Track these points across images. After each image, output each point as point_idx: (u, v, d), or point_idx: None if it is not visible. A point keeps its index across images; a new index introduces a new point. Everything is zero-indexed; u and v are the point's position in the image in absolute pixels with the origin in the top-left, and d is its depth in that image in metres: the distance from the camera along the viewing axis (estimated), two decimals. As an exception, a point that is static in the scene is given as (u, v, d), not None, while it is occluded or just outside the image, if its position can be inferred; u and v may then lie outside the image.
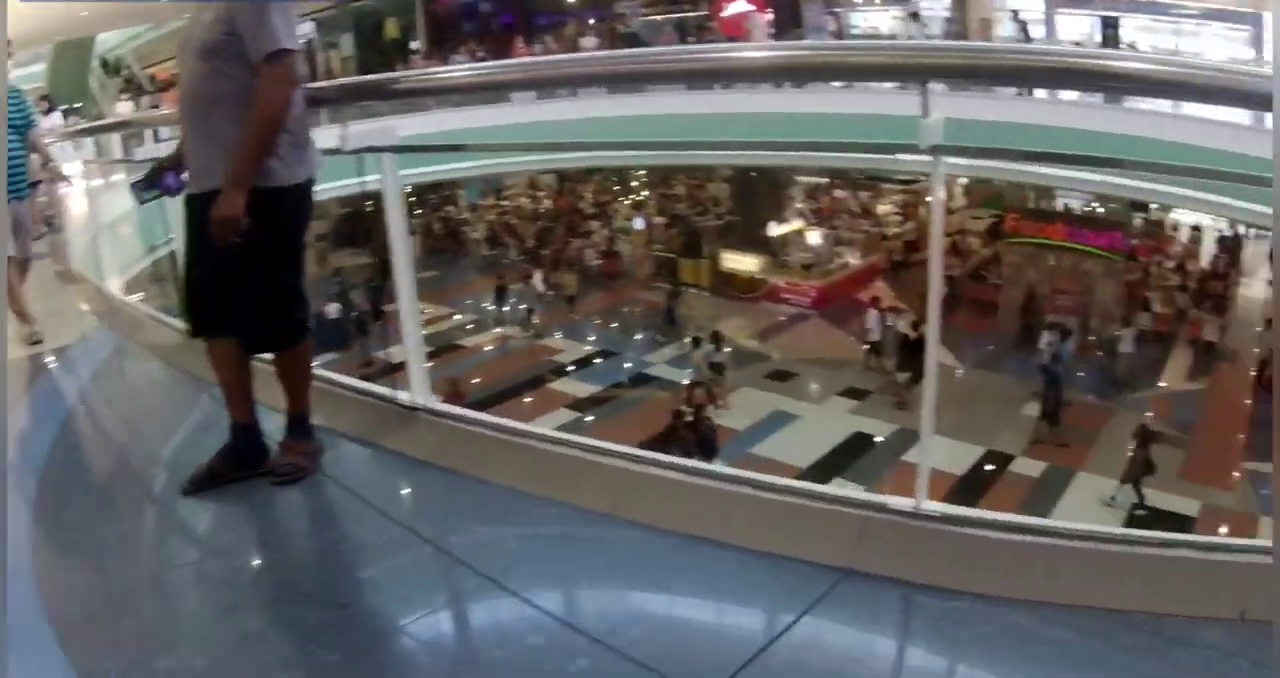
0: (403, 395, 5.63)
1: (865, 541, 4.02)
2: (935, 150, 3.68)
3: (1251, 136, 21.65)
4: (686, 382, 25.10)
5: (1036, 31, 40.11)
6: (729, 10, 33.79)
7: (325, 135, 4.88)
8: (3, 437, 4.32)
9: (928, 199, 35.50)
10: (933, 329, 4.37)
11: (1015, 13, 36.85)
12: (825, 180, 41.22)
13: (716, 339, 26.88)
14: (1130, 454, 20.87)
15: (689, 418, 21.20)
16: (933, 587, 3.76)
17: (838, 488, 4.69)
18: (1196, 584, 3.71)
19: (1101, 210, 30.90)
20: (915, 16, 35.90)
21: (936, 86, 3.68)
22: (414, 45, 40.52)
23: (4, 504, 3.43)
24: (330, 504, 4.86)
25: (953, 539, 3.99)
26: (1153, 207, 38.05)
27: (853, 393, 25.92)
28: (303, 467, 4.94)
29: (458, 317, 33.21)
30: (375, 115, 6.58)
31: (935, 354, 4.52)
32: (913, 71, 3.72)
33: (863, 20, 41.52)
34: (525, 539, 4.34)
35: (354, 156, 4.96)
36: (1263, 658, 3.07)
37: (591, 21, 38.27)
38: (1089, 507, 20.32)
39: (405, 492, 5.11)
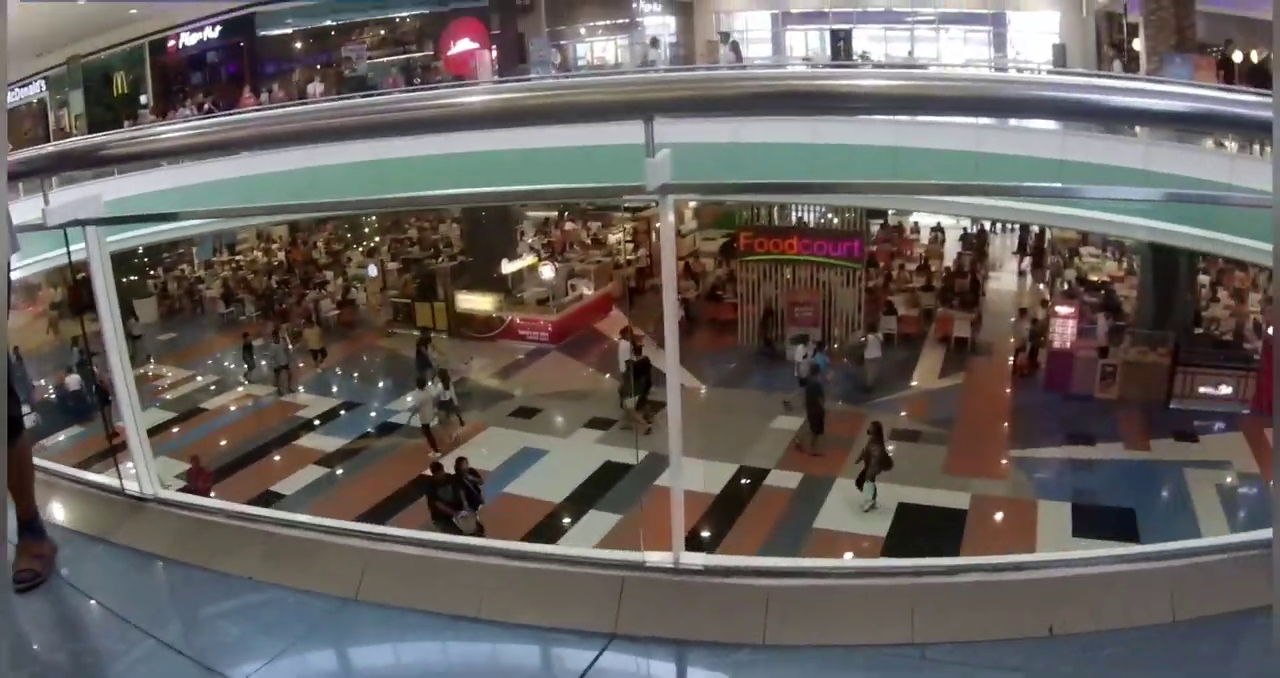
0: (131, 486, 5.13)
1: (627, 603, 3.89)
2: (664, 190, 3.52)
3: (999, 135, 22.40)
4: (419, 425, 25.03)
5: (764, 50, 40.82)
6: (454, 49, 33.59)
7: (25, 206, 4.49)
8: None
9: (657, 226, 35.85)
10: (672, 361, 4.17)
11: (725, 35, 37.23)
12: (555, 214, 41.33)
13: (444, 378, 26.52)
14: (864, 454, 21.27)
15: (450, 470, 20.64)
16: (705, 642, 3.69)
17: (594, 550, 4.48)
18: (1001, 606, 3.71)
19: (837, 221, 31.33)
20: (655, 42, 36.10)
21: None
22: (143, 99, 39.51)
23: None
24: (66, 609, 4.44)
25: (718, 591, 3.90)
26: (890, 212, 39.12)
27: (598, 423, 25.89)
28: (38, 572, 4.48)
29: (200, 378, 32.30)
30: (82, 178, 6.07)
31: (677, 381, 4.40)
32: (637, 108, 3.43)
33: (588, 51, 41.75)
34: (267, 633, 4.05)
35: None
36: (1078, 672, 3.20)
37: (318, 66, 37.75)
38: (851, 513, 20.69)
39: (141, 590, 4.68)
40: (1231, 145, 21.34)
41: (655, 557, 4.04)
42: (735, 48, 35.60)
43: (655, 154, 3.40)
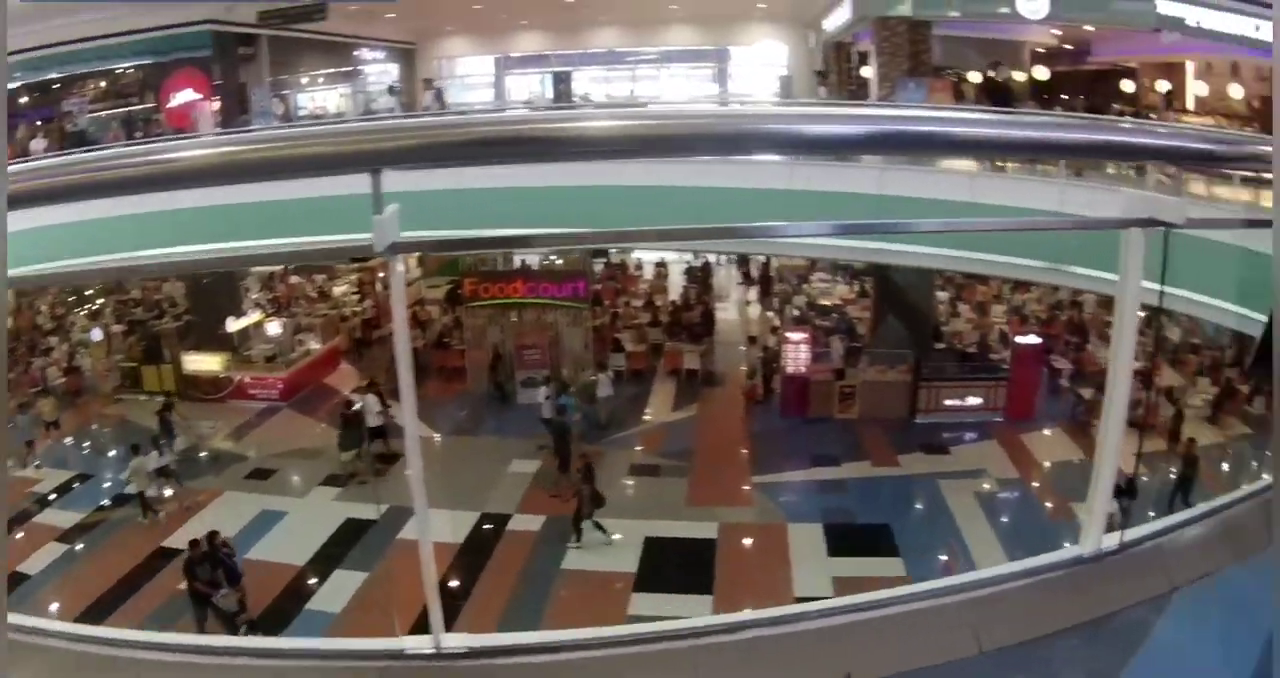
0: None
1: (387, 696, 3.53)
2: (393, 249, 3.30)
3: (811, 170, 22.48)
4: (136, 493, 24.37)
5: (486, 95, 40.72)
6: (175, 100, 32.70)
7: None
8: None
9: (381, 276, 35.43)
10: (410, 421, 3.80)
11: (428, 80, 37.09)
12: (279, 268, 40.60)
13: (156, 443, 25.65)
14: (577, 493, 21.37)
15: (204, 549, 19.38)
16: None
17: (350, 640, 4.13)
18: (791, 659, 3.62)
19: (560, 262, 31.36)
20: (394, 89, 35.70)
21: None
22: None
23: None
24: None
25: (483, 674, 3.83)
26: (612, 250, 39.35)
27: (335, 480, 25.34)
28: None
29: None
30: None
31: (416, 443, 4.28)
32: (363, 160, 3.13)
33: (310, 100, 41.18)
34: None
35: None
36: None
37: (40, 122, 36.51)
38: (597, 553, 20.53)
39: None
40: (970, 165, 21.90)
41: (413, 642, 3.94)
42: (439, 95, 35.45)
43: (384, 210, 3.18)
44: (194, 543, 18.90)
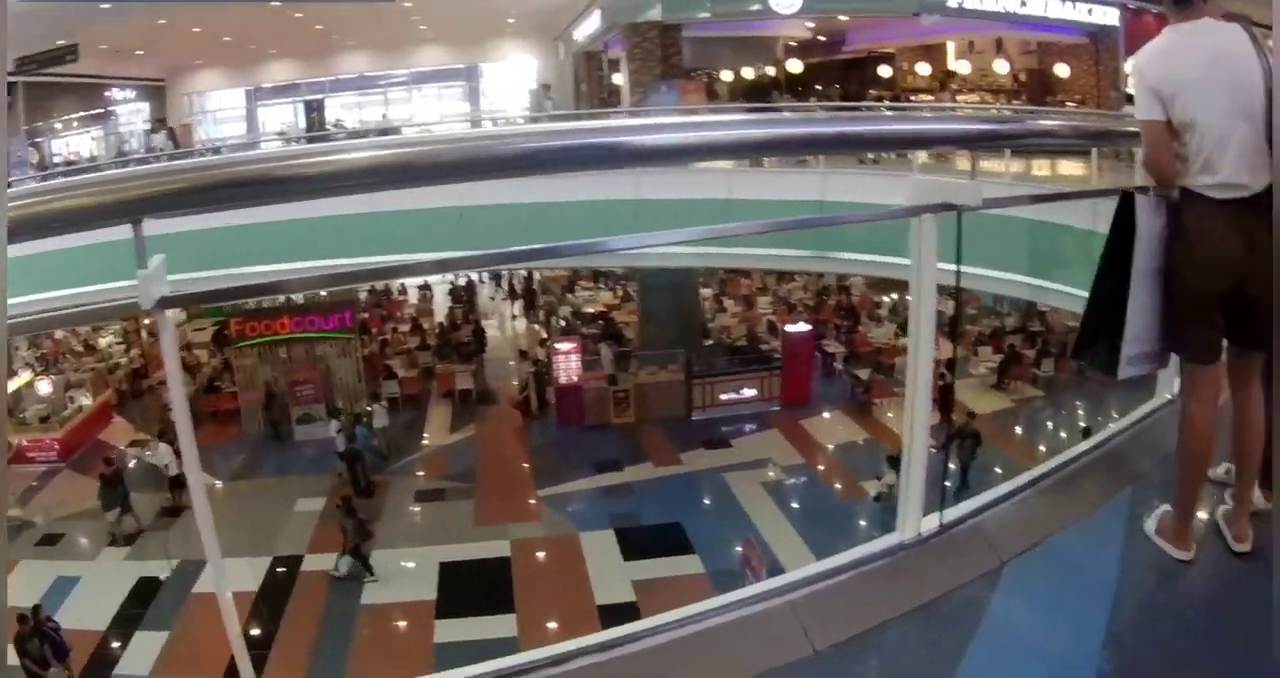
0: None
1: None
2: (163, 304, 2.98)
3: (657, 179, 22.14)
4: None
5: (239, 128, 40.16)
6: (-70, 158, 31.69)
7: None
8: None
9: (145, 322, 34.64)
10: (191, 463, 3.79)
11: (160, 121, 36.48)
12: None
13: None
14: (342, 527, 21.35)
15: (30, 624, 18.04)
16: None
17: None
18: None
19: (325, 294, 30.89)
20: (161, 129, 34.69)
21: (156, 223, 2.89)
22: None
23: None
24: None
25: None
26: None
27: (119, 541, 24.44)
28: None
29: None
30: None
31: (200, 482, 3.85)
32: (124, 210, 2.82)
33: (64, 146, 40.21)
34: None
35: None
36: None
37: None
38: (394, 584, 20.37)
39: None
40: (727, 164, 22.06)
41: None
42: (171, 134, 34.89)
43: (148, 263, 2.90)
44: (22, 619, 17.68)
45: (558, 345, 29.32)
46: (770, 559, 18.10)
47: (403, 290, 43.27)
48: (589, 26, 33.59)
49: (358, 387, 30.35)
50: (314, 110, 40.89)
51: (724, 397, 27.49)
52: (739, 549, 18.67)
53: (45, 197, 2.75)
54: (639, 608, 17.90)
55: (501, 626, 18.05)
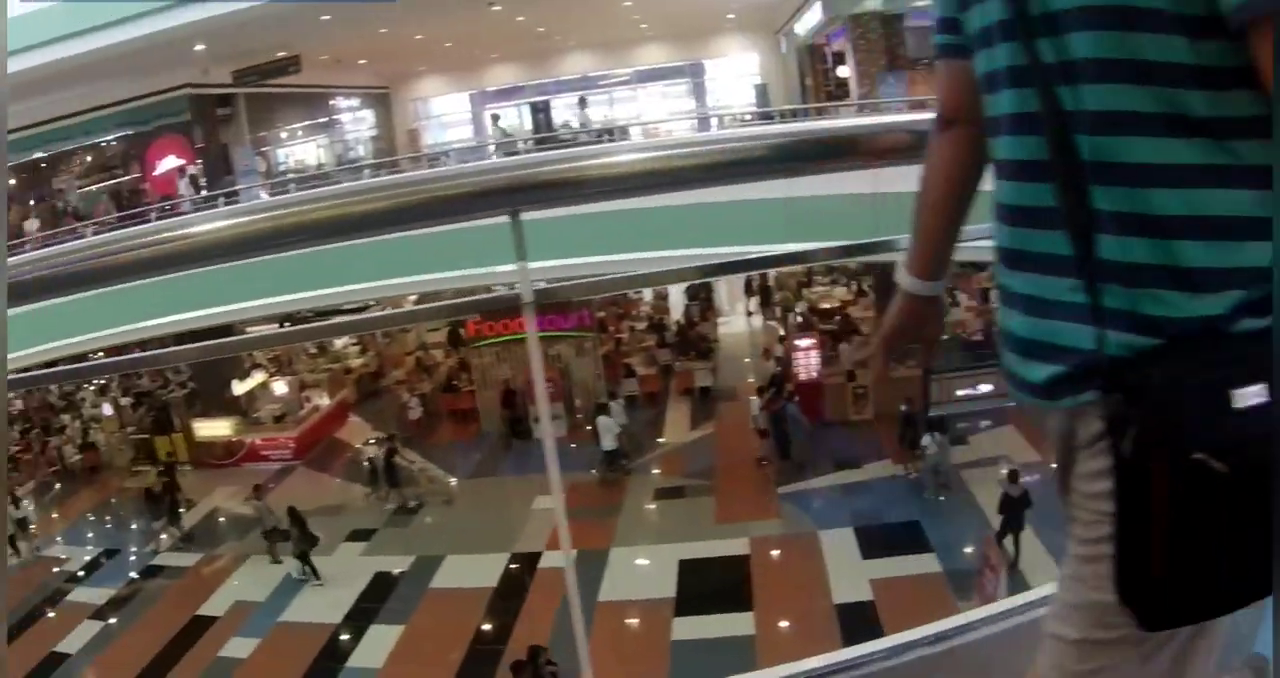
0: None
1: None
2: (539, 296, 3.03)
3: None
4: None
5: (465, 132, 40.54)
6: (160, 168, 32.79)
7: None
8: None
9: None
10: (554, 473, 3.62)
11: (495, 116, 36.57)
12: (275, 326, 40.67)
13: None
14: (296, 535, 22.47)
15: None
16: None
17: None
18: None
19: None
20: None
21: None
22: None
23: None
24: None
25: None
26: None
27: (360, 535, 25.19)
28: None
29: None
30: None
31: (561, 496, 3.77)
32: (505, 201, 2.77)
33: (287, 155, 41.06)
34: None
35: None
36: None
37: (32, 202, 36.43)
38: (634, 581, 20.30)
39: None
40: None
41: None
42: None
43: (526, 256, 2.88)
44: (518, 665, 16.36)
45: (797, 341, 29.07)
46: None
47: (639, 292, 43.50)
48: (810, 19, 33.21)
49: (596, 385, 30.29)
50: (540, 112, 41.10)
51: (960, 393, 26.84)
52: (975, 549, 18.32)
53: (426, 186, 2.77)
54: (876, 607, 17.73)
55: (739, 624, 17.92)
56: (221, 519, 28.32)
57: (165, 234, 2.84)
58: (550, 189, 2.78)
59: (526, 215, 2.79)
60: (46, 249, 3.22)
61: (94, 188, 36.35)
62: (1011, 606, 3.40)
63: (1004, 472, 19.65)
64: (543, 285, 3.02)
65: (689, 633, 17.69)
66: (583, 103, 30.23)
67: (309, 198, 2.77)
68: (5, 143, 2.63)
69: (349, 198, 2.75)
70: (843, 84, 32.17)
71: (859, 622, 16.97)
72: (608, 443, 25.35)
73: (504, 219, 2.72)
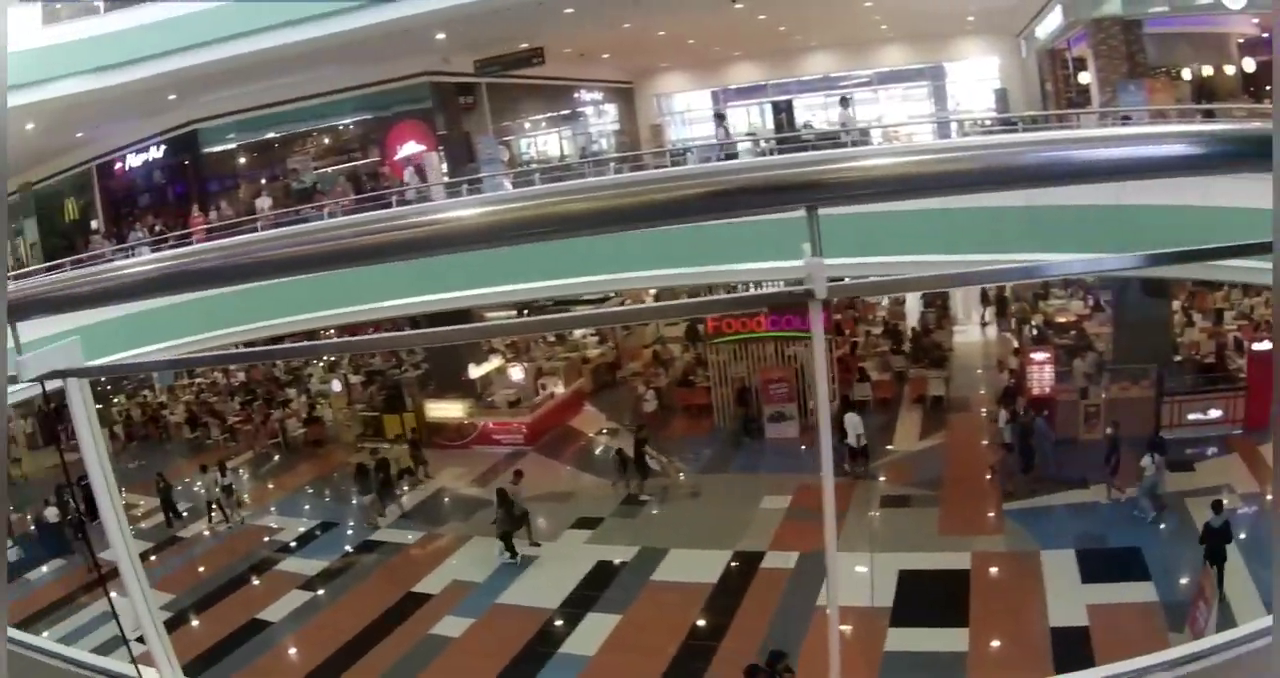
0: (150, 676, 4.14)
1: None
2: (831, 293, 2.74)
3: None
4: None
5: (707, 129, 40.58)
6: (401, 153, 33.46)
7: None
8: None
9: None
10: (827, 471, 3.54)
11: (720, 116, 36.37)
12: (514, 313, 41.13)
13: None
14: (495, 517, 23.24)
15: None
16: None
17: None
18: None
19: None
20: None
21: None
22: (94, 225, 39.11)
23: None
24: None
25: None
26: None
27: (586, 523, 25.33)
28: None
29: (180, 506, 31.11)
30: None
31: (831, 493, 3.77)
32: (801, 196, 2.63)
33: (529, 146, 41.53)
34: None
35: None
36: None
37: (264, 180, 37.38)
38: (854, 588, 19.58)
39: None
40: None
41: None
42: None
43: (819, 250, 2.69)
44: (753, 670, 15.65)
45: (1033, 355, 28.44)
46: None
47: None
48: (1050, 23, 32.49)
49: (830, 388, 29.58)
50: (782, 111, 40.97)
51: (1191, 417, 26.01)
52: (1191, 579, 17.89)
53: (723, 176, 2.65)
54: (1090, 633, 17.22)
55: (953, 640, 17.62)
56: (446, 499, 28.71)
57: (423, 217, 2.89)
58: (849, 187, 2.63)
59: (778, 214, 2.76)
60: (300, 226, 3.28)
61: (329, 170, 37.11)
62: (1215, 643, 3.24)
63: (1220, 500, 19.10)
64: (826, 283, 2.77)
65: (902, 645, 17.42)
66: (845, 102, 29.73)
67: (596, 186, 2.74)
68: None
69: (634, 188, 2.69)
70: (1084, 91, 31.48)
71: (1072, 648, 16.53)
72: (853, 440, 25.21)
73: (752, 217, 2.68)
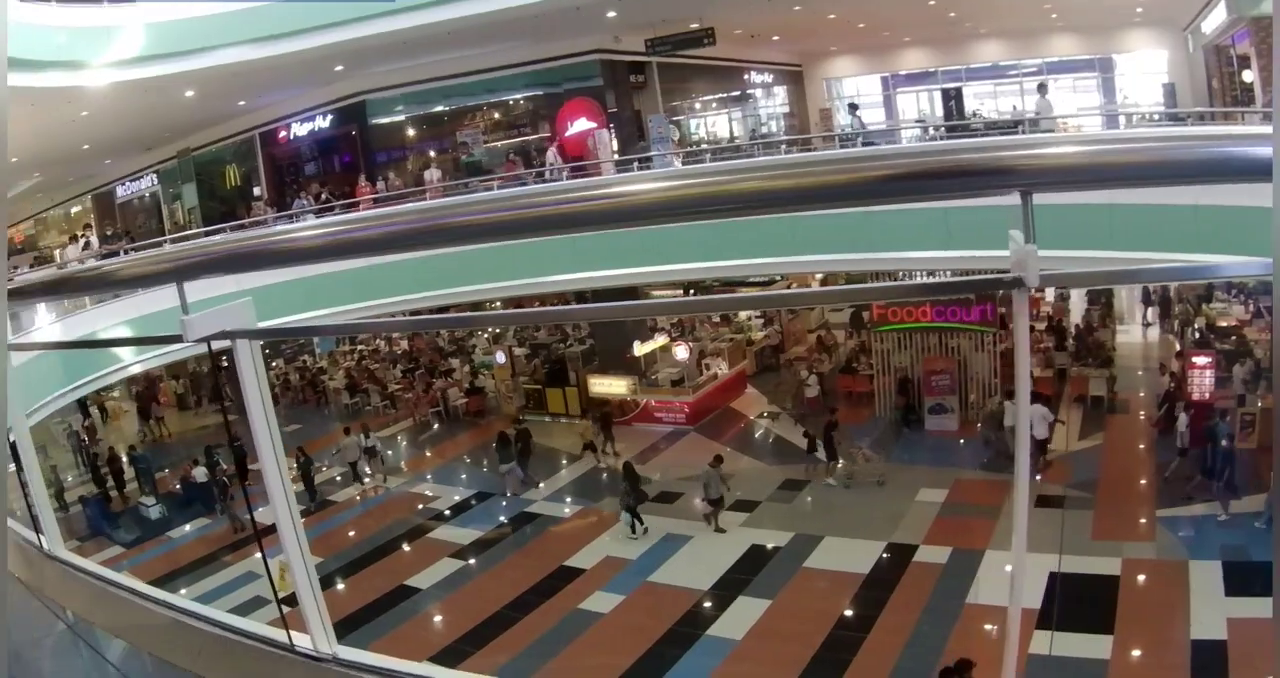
0: (302, 641, 4.25)
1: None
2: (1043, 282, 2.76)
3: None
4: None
5: (877, 114, 40.40)
6: (572, 129, 33.72)
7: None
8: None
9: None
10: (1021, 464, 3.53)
11: (853, 106, 36.22)
12: (680, 292, 41.21)
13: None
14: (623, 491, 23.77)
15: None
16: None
17: None
18: None
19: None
20: (854, 107, 35.40)
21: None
22: (256, 191, 39.99)
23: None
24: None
25: None
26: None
27: (742, 505, 25.14)
28: None
29: (326, 470, 32.30)
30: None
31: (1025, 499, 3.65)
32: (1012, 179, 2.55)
33: (700, 126, 41.62)
34: None
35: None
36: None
37: (432, 152, 37.91)
38: (1004, 587, 19.43)
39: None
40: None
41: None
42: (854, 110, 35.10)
43: (1033, 238, 2.62)
44: (947, 673, 15.59)
45: (1195, 359, 27.80)
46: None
47: (1039, 288, 42.31)
48: (1215, 18, 31.86)
49: (992, 382, 29.77)
50: (952, 98, 40.66)
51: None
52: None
53: (938, 157, 2.55)
54: (1228, 648, 16.87)
55: (1096, 646, 17.42)
56: (605, 475, 28.96)
57: (600, 190, 2.95)
58: (1068, 172, 2.56)
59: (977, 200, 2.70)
60: (484, 193, 3.34)
61: (499, 144, 37.49)
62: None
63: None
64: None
65: (1045, 648, 17.15)
66: (1042, 89, 29.32)
67: (794, 162, 2.67)
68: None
69: (840, 163, 2.65)
70: (1248, 89, 30.76)
71: (1209, 663, 16.39)
72: (1040, 432, 24.97)
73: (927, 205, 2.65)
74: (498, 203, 3.08)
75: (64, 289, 5.64)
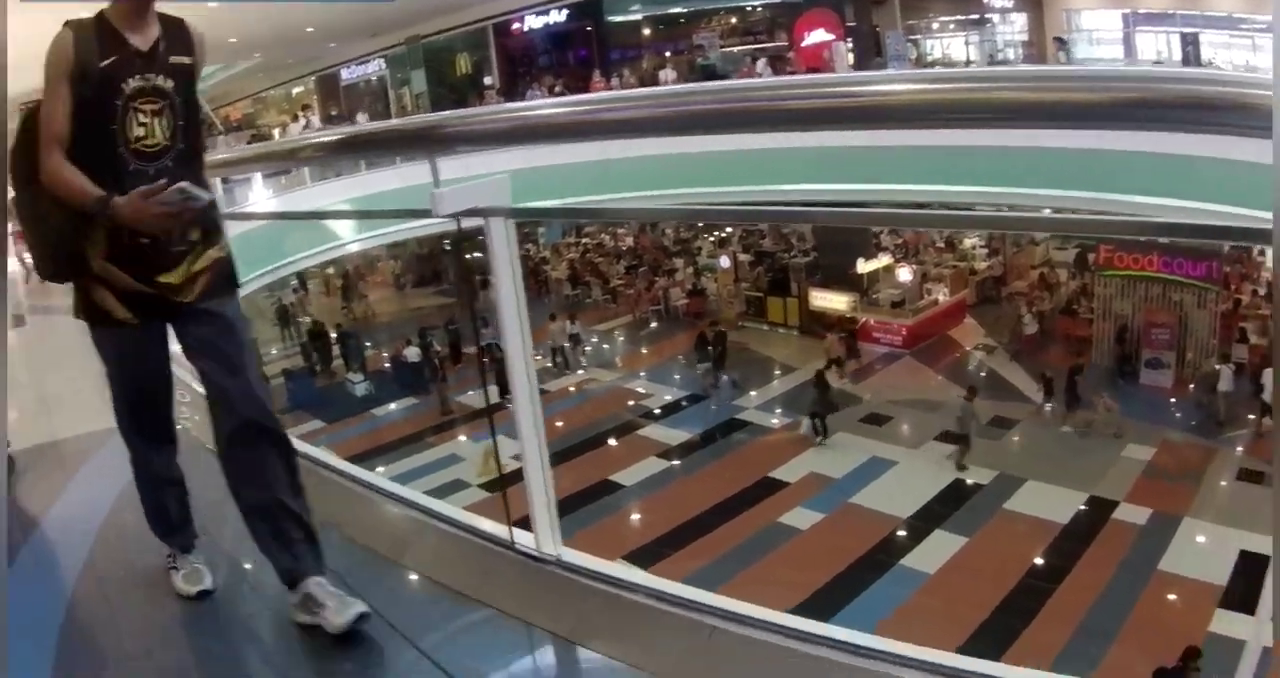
0: (524, 540, 4.24)
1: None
2: None
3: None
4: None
5: (1115, 51, 39.32)
6: (809, 40, 33.41)
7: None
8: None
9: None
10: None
11: (1060, 40, 36.52)
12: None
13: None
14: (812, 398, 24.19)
15: None
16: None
17: None
18: None
19: (1194, 236, 29.20)
20: (1060, 41, 35.82)
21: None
22: (487, 80, 40.42)
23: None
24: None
25: None
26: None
27: (949, 437, 24.56)
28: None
29: (539, 359, 31.92)
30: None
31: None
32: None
33: (935, 48, 40.99)
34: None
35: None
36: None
37: (668, 54, 37.86)
38: (1196, 557, 19.12)
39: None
40: None
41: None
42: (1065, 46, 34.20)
43: None
44: (1162, 673, 15.07)
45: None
46: None
47: (1261, 250, 40.87)
48: None
49: (1209, 343, 28.72)
50: (1189, 45, 39.37)
51: None
52: None
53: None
54: None
55: (1259, 628, 16.83)
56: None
57: (854, 87, 2.82)
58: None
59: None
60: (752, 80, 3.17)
61: (735, 50, 37.23)
62: None
63: None
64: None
65: (1224, 628, 16.46)
66: (1190, 41, 28.36)
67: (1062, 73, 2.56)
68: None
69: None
70: None
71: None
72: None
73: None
74: (798, 90, 2.94)
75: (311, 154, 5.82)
